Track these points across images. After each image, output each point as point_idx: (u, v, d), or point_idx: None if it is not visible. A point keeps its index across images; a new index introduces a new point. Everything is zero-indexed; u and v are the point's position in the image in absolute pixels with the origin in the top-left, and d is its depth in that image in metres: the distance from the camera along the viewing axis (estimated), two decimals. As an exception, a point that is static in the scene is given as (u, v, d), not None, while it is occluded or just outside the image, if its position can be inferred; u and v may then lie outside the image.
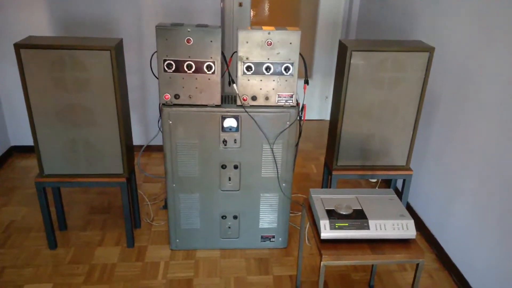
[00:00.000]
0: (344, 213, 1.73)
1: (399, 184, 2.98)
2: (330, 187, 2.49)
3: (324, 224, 1.68)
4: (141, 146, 3.51)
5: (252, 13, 4.01)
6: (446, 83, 2.42)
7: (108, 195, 3.04)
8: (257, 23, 4.10)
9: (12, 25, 3.16)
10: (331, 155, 2.46)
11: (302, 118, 2.28)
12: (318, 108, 4.43)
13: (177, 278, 2.29)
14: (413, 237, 1.69)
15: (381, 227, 1.68)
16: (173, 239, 2.46)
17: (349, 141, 2.37)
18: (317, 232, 1.72)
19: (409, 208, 2.84)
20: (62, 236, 2.59)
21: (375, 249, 1.66)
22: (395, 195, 1.86)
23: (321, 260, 1.64)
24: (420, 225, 2.70)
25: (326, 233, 1.67)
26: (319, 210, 1.75)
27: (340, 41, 2.27)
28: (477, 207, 2.14)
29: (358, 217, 1.72)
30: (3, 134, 3.45)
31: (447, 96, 2.40)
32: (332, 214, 1.72)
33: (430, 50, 2.17)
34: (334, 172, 2.42)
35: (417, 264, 1.69)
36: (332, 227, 1.68)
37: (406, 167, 2.45)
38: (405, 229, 1.68)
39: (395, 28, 3.09)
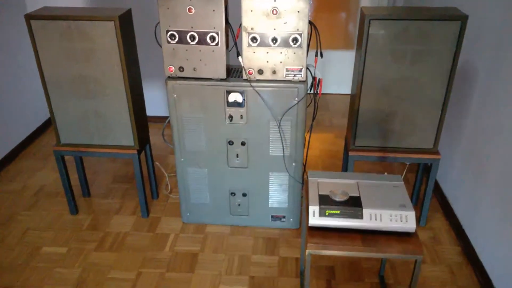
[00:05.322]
0: (337, 199, 1.59)
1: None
2: (347, 169, 2.33)
3: (313, 211, 1.56)
4: (167, 117, 3.53)
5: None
6: (483, 57, 2.11)
7: (132, 165, 3.10)
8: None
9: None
10: (349, 135, 2.28)
11: (318, 93, 2.13)
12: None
13: (183, 251, 2.30)
14: (413, 230, 1.51)
15: (376, 218, 1.52)
16: (184, 213, 2.46)
17: (369, 120, 2.18)
18: (308, 218, 1.60)
19: (441, 195, 2.59)
20: (84, 203, 2.70)
21: (367, 241, 1.51)
22: (402, 183, 1.68)
23: (306, 248, 1.53)
24: (449, 215, 2.45)
25: (315, 220, 1.55)
26: (312, 195, 1.63)
27: (361, 9, 2.06)
28: (506, 200, 1.88)
29: (352, 204, 1.57)
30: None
31: (484, 72, 2.10)
32: (324, 200, 1.59)
33: (462, 18, 1.88)
34: (350, 153, 2.25)
35: (415, 261, 1.52)
36: (322, 214, 1.55)
37: (434, 150, 2.21)
38: (404, 221, 1.51)
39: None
